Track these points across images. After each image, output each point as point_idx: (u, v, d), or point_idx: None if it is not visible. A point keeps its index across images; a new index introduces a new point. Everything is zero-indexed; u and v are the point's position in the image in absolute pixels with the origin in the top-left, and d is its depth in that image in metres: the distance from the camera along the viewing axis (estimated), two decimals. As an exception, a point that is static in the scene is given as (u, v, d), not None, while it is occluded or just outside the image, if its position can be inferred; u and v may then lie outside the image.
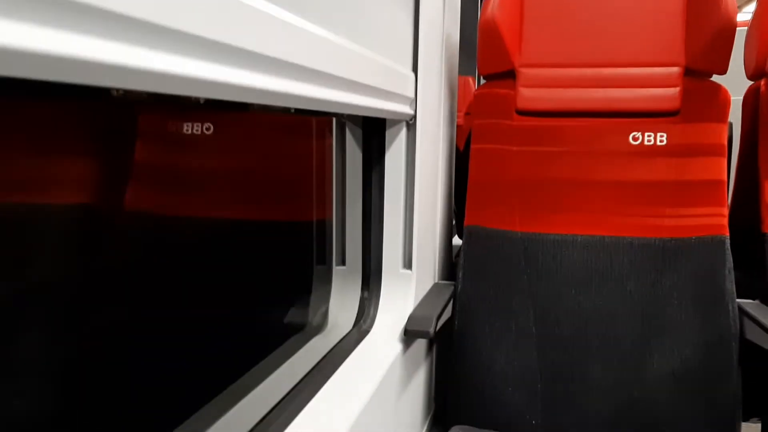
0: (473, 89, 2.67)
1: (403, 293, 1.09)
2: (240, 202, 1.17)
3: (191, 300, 0.99)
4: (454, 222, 1.56)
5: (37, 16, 0.29)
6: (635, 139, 1.20)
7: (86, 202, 0.97)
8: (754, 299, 1.18)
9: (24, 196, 0.77)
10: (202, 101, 1.20)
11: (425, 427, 1.27)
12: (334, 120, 1.06)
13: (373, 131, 1.05)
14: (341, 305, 1.09)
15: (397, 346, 1.00)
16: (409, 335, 1.03)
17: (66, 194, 0.89)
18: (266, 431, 0.75)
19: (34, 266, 0.78)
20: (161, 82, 0.40)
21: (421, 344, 1.17)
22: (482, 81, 1.34)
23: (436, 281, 1.31)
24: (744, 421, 1.17)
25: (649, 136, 1.20)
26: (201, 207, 1.13)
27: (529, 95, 1.24)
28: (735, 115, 1.31)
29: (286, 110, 1.21)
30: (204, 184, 1.12)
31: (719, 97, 1.18)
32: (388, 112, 0.93)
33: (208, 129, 1.19)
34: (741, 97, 1.37)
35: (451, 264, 1.47)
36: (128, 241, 0.96)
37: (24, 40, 0.28)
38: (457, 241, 1.57)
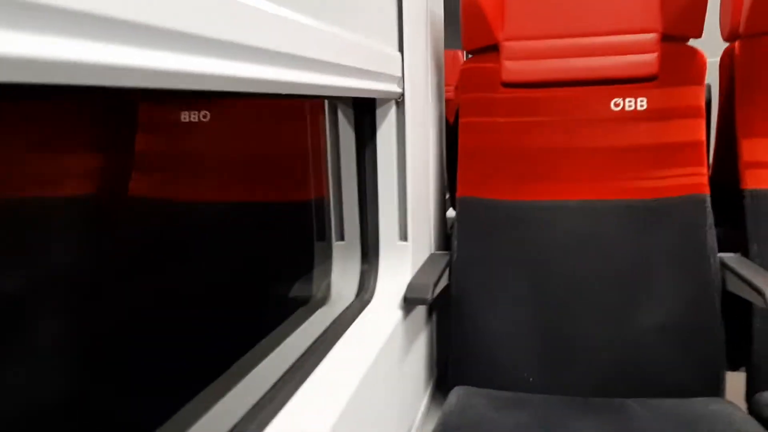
0: (462, 62, 2.70)
1: (401, 264, 1.14)
2: (241, 186, 1.22)
3: (205, 279, 1.05)
4: (447, 195, 1.61)
5: (34, 24, 0.30)
6: (617, 105, 1.25)
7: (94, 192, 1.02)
8: (735, 253, 1.23)
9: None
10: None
11: (429, 390, 1.34)
12: (326, 102, 1.11)
13: (364, 111, 1.10)
14: (343, 278, 1.14)
15: (398, 314, 1.05)
16: (408, 302, 1.08)
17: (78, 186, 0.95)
18: (277, 396, 0.80)
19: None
20: (157, 79, 0.42)
21: (420, 312, 1.23)
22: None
23: (432, 251, 1.37)
24: (731, 370, 1.23)
25: (629, 101, 1.24)
26: (205, 192, 1.18)
27: (513, 68, 1.29)
28: (713, 77, 1.36)
29: (277, 95, 1.25)
30: (206, 170, 1.17)
31: (696, 61, 1.23)
32: (376, 92, 0.98)
33: (205, 117, 1.23)
34: (718, 59, 1.42)
35: (446, 235, 1.53)
36: (143, 224, 1.01)
37: (24, 47, 0.30)
38: (451, 213, 1.62)
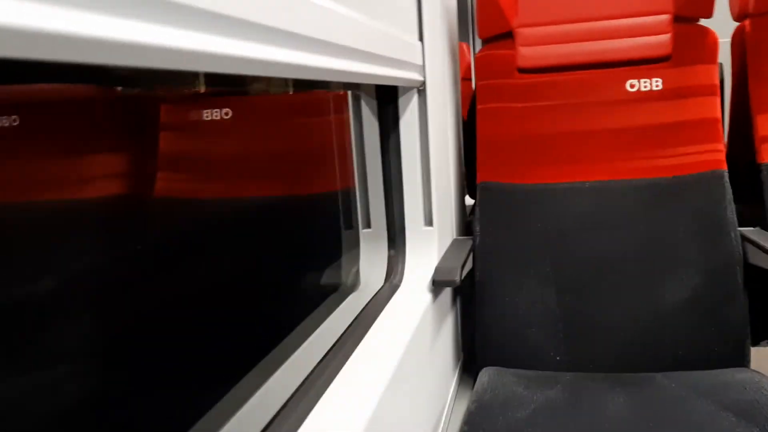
0: (467, 55, 2.73)
1: (427, 248, 1.17)
2: (270, 181, 1.25)
3: (242, 272, 1.08)
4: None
5: None
6: (632, 86, 1.27)
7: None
8: (754, 228, 1.25)
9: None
10: (200, 79, 1.27)
11: (457, 372, 1.36)
12: (350, 94, 1.13)
13: (386, 101, 1.12)
14: (371, 264, 1.17)
15: (427, 297, 1.08)
16: (437, 285, 1.11)
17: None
18: (317, 382, 0.82)
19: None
20: (183, 59, 0.41)
21: (446, 296, 1.25)
22: (477, 47, 1.41)
23: (455, 237, 1.40)
24: (754, 345, 1.25)
25: (644, 82, 1.27)
26: (233, 189, 1.21)
27: (528, 54, 1.31)
28: (725, 56, 1.38)
29: (303, 90, 1.27)
30: (236, 168, 1.20)
31: (708, 40, 1.25)
32: (400, 79, 1.00)
33: (227, 114, 1.26)
34: (728, 40, 1.44)
35: (466, 221, 1.55)
36: (185, 221, 1.04)
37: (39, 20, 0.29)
38: (468, 201, 1.65)
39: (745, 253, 1.19)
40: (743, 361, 1.18)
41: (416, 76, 1.07)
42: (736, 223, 1.21)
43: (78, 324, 0.87)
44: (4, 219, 0.77)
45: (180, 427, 0.77)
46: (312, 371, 0.85)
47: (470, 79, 2.35)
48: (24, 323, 0.75)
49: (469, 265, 1.26)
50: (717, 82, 1.25)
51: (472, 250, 1.29)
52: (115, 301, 0.97)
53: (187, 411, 0.84)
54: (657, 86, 1.26)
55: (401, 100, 1.12)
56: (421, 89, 1.12)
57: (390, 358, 0.85)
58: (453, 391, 1.30)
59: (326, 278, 1.17)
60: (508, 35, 1.33)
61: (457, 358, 1.38)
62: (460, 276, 1.11)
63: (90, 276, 0.91)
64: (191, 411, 0.82)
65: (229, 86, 1.27)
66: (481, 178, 1.33)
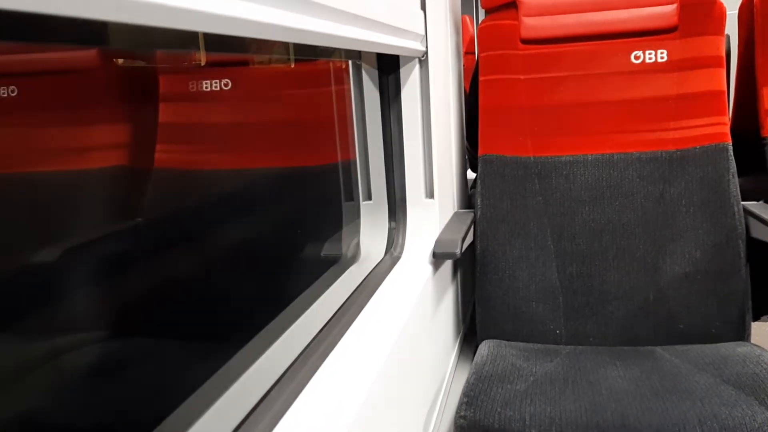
0: (470, 28, 2.70)
1: (428, 220, 1.16)
2: (269, 154, 1.24)
3: (241, 244, 1.08)
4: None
5: None
6: (636, 57, 1.25)
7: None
8: (758, 201, 1.25)
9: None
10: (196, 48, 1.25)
11: (457, 344, 1.36)
12: (350, 64, 1.12)
13: (388, 71, 1.11)
14: (372, 236, 1.16)
15: (427, 269, 1.07)
16: (437, 257, 1.10)
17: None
18: (319, 348, 0.82)
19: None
20: (188, 19, 0.40)
21: (447, 268, 1.25)
22: (481, 20, 1.39)
23: (456, 210, 1.39)
24: (755, 320, 1.25)
25: (649, 53, 1.25)
26: (231, 160, 1.20)
27: (532, 24, 1.29)
28: (732, 28, 1.36)
29: (303, 60, 1.26)
30: (234, 140, 1.19)
31: (715, 11, 1.23)
32: (402, 48, 0.99)
33: (226, 85, 1.25)
34: (736, 11, 1.41)
35: (467, 194, 1.55)
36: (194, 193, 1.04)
37: None
38: (470, 175, 1.64)
39: (747, 227, 1.19)
40: (743, 335, 1.18)
41: (418, 46, 1.06)
42: (740, 197, 1.20)
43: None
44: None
45: (182, 392, 0.77)
46: (312, 341, 0.85)
47: (473, 53, 2.33)
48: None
49: (469, 238, 1.26)
50: (723, 54, 1.24)
51: (473, 222, 1.29)
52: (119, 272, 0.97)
53: (188, 378, 0.84)
54: (662, 58, 1.24)
55: (403, 71, 1.11)
56: (423, 59, 1.11)
57: (390, 329, 0.85)
58: (453, 363, 1.30)
59: (327, 250, 1.17)
60: (512, 5, 1.31)
61: (458, 330, 1.39)
62: (461, 249, 1.11)
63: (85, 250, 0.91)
64: (192, 378, 0.82)
65: (231, 56, 1.25)
66: (482, 150, 1.32)
